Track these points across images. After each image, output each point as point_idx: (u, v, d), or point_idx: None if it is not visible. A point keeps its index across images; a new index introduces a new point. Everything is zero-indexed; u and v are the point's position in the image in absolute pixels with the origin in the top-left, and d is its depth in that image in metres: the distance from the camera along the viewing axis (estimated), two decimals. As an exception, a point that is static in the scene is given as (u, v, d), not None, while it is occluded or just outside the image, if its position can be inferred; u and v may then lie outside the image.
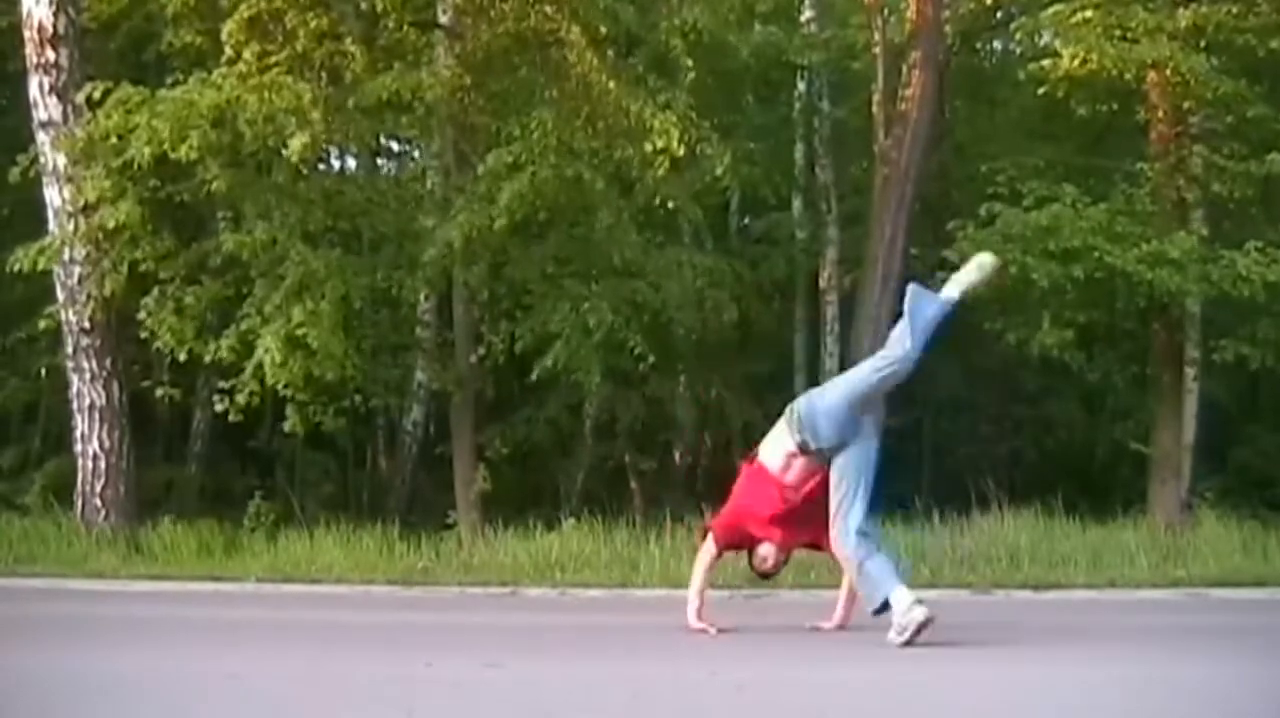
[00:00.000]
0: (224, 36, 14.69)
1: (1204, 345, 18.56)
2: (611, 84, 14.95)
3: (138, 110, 14.53)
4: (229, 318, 15.37)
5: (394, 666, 7.34)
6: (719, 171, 16.09)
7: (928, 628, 7.94)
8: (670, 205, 16.70)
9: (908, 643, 7.90)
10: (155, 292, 15.35)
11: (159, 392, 16.93)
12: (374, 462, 21.72)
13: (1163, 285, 16.54)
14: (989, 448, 21.61)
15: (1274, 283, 16.42)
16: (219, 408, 15.60)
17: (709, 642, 8.36)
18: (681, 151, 14.78)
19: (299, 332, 14.45)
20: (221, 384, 15.49)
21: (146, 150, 14.27)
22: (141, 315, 15.29)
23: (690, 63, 16.72)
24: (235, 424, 16.12)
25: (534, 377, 16.32)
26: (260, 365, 14.58)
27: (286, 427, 15.79)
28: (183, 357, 15.38)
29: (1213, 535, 14.42)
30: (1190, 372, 18.61)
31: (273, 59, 14.80)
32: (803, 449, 8.45)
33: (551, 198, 15.36)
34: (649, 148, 14.72)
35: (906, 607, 8.02)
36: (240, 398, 14.97)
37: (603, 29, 15.78)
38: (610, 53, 15.87)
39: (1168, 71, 17.22)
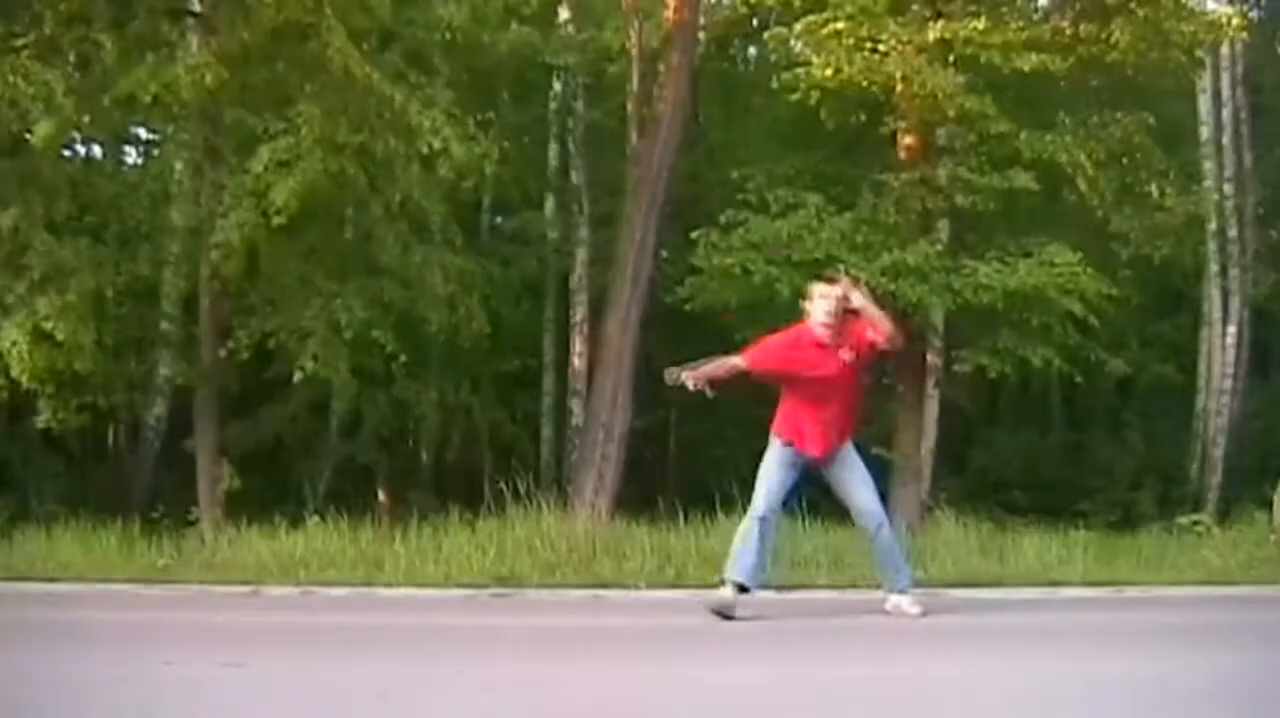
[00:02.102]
0: (-35, 14, 14.18)
1: (945, 354, 18.97)
2: (375, 75, 14.76)
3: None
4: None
5: (132, 664, 7.14)
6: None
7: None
8: (421, 203, 16.59)
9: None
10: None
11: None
12: (115, 458, 21.18)
13: (905, 296, 16.87)
14: (734, 449, 21.82)
15: (1014, 290, 16.88)
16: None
17: (457, 640, 8.29)
18: (460, 151, 14.73)
19: (46, 324, 14.02)
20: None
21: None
22: None
23: (442, 60, 16.65)
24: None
25: (294, 377, 16.09)
26: (2, 358, 14.14)
27: (40, 422, 15.37)
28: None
29: (951, 537, 14.70)
30: (931, 379, 19.02)
31: (19, 41, 14.28)
32: None
33: (322, 194, 15.14)
34: (425, 149, 14.65)
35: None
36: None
37: (356, 22, 15.59)
38: (365, 47, 15.68)
39: (915, 86, 17.50)
